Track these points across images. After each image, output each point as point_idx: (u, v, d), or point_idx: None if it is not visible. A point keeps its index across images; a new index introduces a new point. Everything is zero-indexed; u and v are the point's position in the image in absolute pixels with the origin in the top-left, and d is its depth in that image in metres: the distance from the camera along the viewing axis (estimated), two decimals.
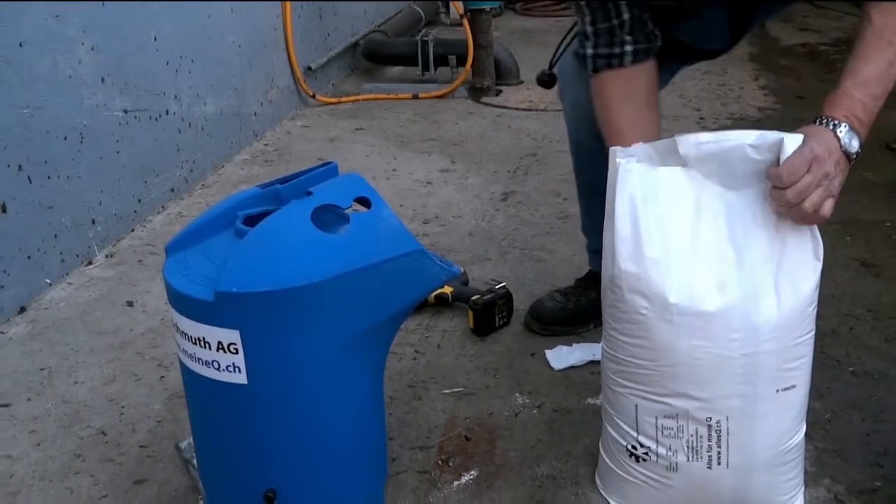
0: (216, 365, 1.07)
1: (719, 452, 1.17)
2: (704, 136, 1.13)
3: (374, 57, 3.99)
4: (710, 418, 1.15)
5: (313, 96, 3.51)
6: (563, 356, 1.67)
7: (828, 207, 1.10)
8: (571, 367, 1.64)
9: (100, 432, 1.51)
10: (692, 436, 1.17)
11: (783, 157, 1.08)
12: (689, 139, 1.13)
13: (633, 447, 1.22)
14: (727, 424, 1.15)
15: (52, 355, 1.76)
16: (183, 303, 1.07)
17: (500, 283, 1.86)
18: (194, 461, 1.29)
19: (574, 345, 1.70)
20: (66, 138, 2.07)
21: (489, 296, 1.78)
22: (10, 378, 1.68)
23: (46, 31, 2.00)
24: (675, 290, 1.12)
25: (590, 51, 1.33)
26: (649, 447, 1.20)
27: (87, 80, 2.15)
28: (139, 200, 2.38)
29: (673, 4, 1.36)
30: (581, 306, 1.76)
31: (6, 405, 1.60)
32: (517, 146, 3.01)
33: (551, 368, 1.65)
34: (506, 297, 1.80)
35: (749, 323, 1.12)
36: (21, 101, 1.92)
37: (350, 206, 1.13)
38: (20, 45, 1.92)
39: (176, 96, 2.56)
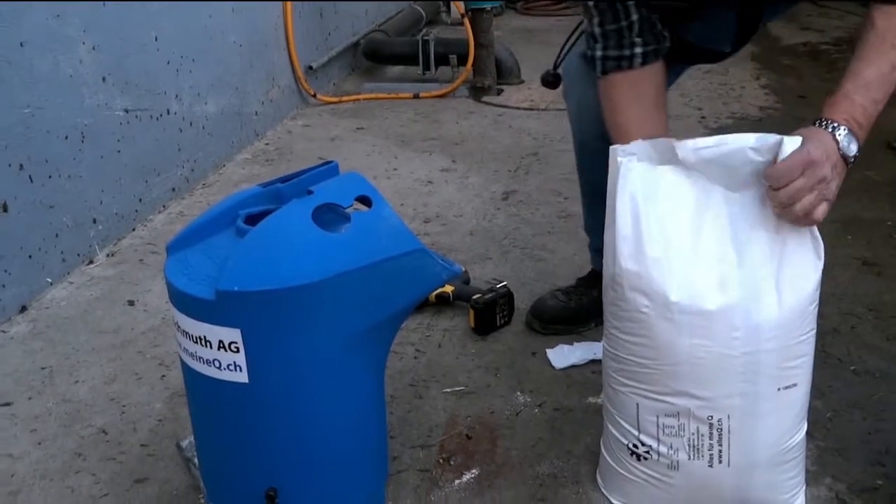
0: (217, 364, 1.07)
1: (720, 451, 1.17)
2: (703, 142, 1.12)
3: (374, 56, 3.99)
4: (712, 417, 1.15)
5: (314, 96, 3.51)
6: (564, 355, 1.67)
7: (820, 211, 1.10)
8: (572, 366, 1.64)
9: (101, 431, 1.51)
10: (693, 434, 1.17)
11: (780, 158, 1.08)
12: (686, 145, 1.13)
13: (635, 446, 1.22)
14: (728, 423, 1.15)
15: (53, 354, 1.76)
16: (184, 301, 1.07)
17: (501, 282, 1.86)
18: (195, 460, 1.29)
19: (575, 344, 1.70)
20: (67, 138, 2.07)
21: (490, 295, 1.78)
22: (11, 377, 1.68)
23: (47, 30, 2.00)
24: (677, 289, 1.12)
25: (599, 53, 1.33)
26: (650, 446, 1.20)
27: (88, 79, 2.15)
28: (140, 200, 2.39)
29: (682, 5, 1.36)
30: (582, 305, 1.76)
31: (7, 404, 1.60)
32: (518, 145, 3.01)
33: (552, 367, 1.65)
34: (507, 296, 1.80)
35: (750, 321, 1.12)
36: (22, 100, 1.92)
37: (351, 205, 1.13)
38: (21, 44, 1.92)
39: (177, 96, 2.56)
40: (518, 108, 3.46)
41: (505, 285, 1.82)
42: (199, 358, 1.08)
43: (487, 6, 3.56)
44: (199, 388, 1.14)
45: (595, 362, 1.61)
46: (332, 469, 1.17)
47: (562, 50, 1.62)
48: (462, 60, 3.64)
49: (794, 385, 1.16)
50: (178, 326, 1.10)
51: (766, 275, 1.13)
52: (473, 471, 1.38)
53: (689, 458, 1.18)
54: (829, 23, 4.71)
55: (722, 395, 1.14)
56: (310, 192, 1.12)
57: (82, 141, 2.13)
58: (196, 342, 1.07)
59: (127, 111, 2.31)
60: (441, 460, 1.41)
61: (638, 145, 1.18)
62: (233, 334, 1.05)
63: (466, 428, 1.49)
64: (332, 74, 3.85)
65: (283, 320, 1.05)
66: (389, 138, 3.14)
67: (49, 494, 1.36)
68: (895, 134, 2.66)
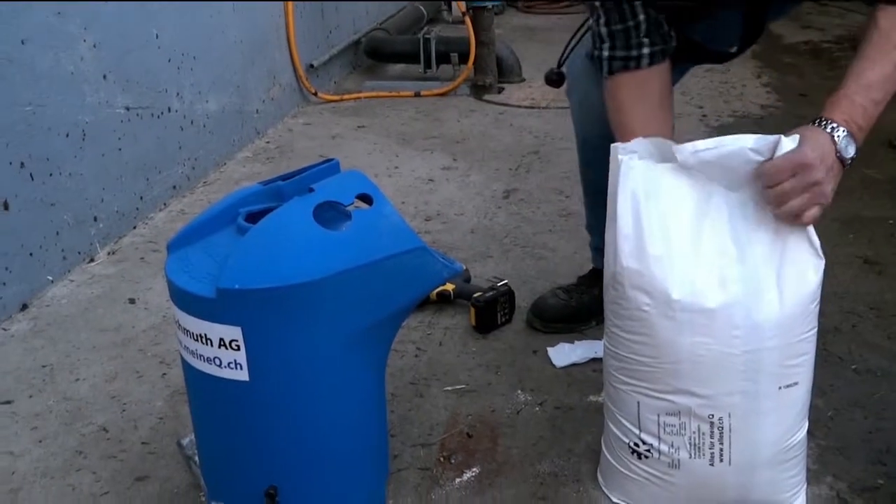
0: (218, 362, 1.07)
1: (721, 449, 1.17)
2: (702, 144, 1.12)
3: (375, 55, 3.99)
4: (713, 415, 1.15)
5: (315, 94, 3.51)
6: (565, 353, 1.67)
7: (810, 215, 1.10)
8: (573, 365, 1.64)
9: (101, 429, 1.51)
10: (694, 433, 1.17)
11: (776, 156, 1.08)
12: (685, 148, 1.13)
13: (636, 444, 1.22)
14: (729, 421, 1.15)
15: (53, 352, 1.76)
16: (185, 299, 1.07)
17: (501, 280, 1.86)
18: (196, 458, 1.29)
19: (576, 342, 1.70)
20: (68, 135, 2.07)
21: (491, 293, 1.78)
22: (11, 375, 1.68)
23: (48, 28, 2.00)
24: (678, 287, 1.12)
25: (606, 53, 1.33)
26: (651, 444, 1.20)
27: (89, 77, 2.15)
28: (141, 198, 2.39)
29: (688, 4, 1.35)
30: (583, 304, 1.76)
31: (8, 402, 1.60)
32: (519, 144, 3.00)
33: (553, 366, 1.65)
34: (508, 295, 1.80)
35: (751, 320, 1.12)
36: (23, 98, 1.92)
37: (352, 203, 1.13)
38: (22, 42, 1.92)
39: (178, 94, 2.56)
40: (519, 107, 3.46)
41: (506, 283, 1.82)
42: (200, 356, 1.08)
43: (488, 4, 3.56)
44: (200, 387, 1.14)
45: (596, 361, 1.61)
46: (333, 467, 1.17)
47: (566, 48, 1.62)
48: (463, 59, 3.64)
49: (796, 383, 1.16)
50: (179, 324, 1.10)
51: (767, 273, 1.12)
52: (474, 469, 1.38)
53: (690, 457, 1.18)
54: (831, 21, 4.71)
55: (723, 393, 1.14)
56: (311, 190, 1.12)
57: (83, 139, 2.13)
58: (197, 340, 1.07)
59: (128, 109, 2.31)
60: (442, 459, 1.40)
61: (639, 143, 1.18)
62: (233, 332, 1.05)
63: (467, 426, 1.48)
64: (334, 73, 3.85)
65: (284, 318, 1.05)
66: (390, 136, 3.13)
67: (50, 492, 1.36)
68: None
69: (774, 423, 1.17)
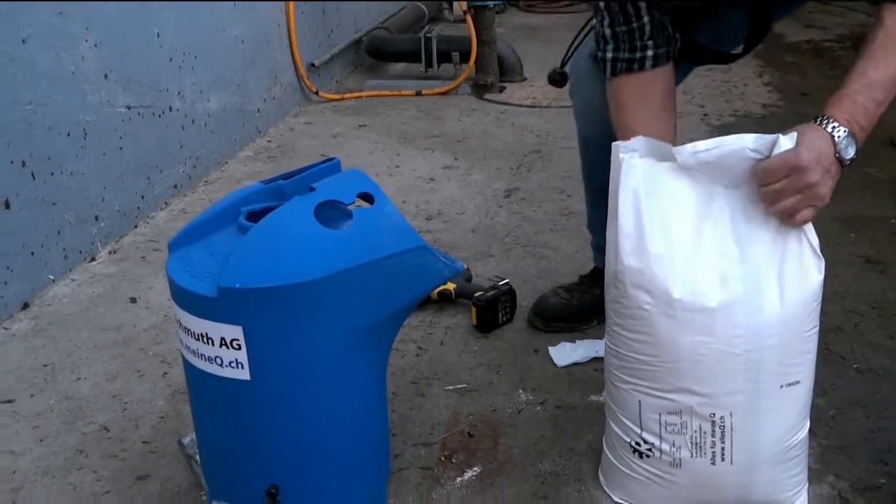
0: (219, 361, 1.07)
1: (723, 448, 1.17)
2: (702, 145, 1.12)
3: (377, 53, 3.99)
4: (714, 414, 1.15)
5: (316, 93, 3.51)
6: (566, 353, 1.67)
7: (802, 216, 1.10)
8: (575, 364, 1.64)
9: (103, 428, 1.51)
10: (696, 432, 1.17)
11: (773, 154, 1.08)
12: (685, 149, 1.13)
13: (637, 443, 1.22)
14: (731, 420, 1.15)
15: (55, 351, 1.76)
16: (186, 299, 1.07)
17: (503, 279, 1.85)
18: (197, 457, 1.29)
19: (577, 341, 1.70)
20: (69, 135, 2.07)
21: (492, 292, 1.78)
22: (13, 374, 1.68)
23: (49, 27, 2.00)
24: (679, 286, 1.12)
25: (609, 54, 1.33)
26: (653, 443, 1.20)
27: (91, 76, 2.15)
28: (142, 197, 2.39)
29: (693, 5, 1.35)
30: (585, 303, 1.76)
31: (9, 401, 1.60)
32: (520, 143, 3.00)
33: (554, 365, 1.65)
34: (509, 294, 1.80)
35: (752, 319, 1.12)
36: (24, 97, 1.92)
37: (353, 202, 1.13)
38: (23, 41, 1.92)
39: (179, 93, 2.56)
40: (520, 106, 3.45)
41: (507, 283, 1.82)
42: (201, 355, 1.08)
43: (490, 3, 3.56)
44: (201, 386, 1.14)
45: (597, 360, 1.60)
46: (334, 466, 1.17)
47: (569, 48, 1.62)
48: (464, 58, 3.64)
49: (797, 382, 1.16)
50: (180, 323, 1.10)
51: (768, 271, 1.12)
52: (475, 468, 1.38)
53: (692, 456, 1.18)
54: (833, 20, 4.70)
55: (724, 392, 1.14)
56: (312, 189, 1.12)
57: (84, 138, 2.13)
58: (198, 339, 1.07)
59: (129, 108, 2.31)
60: (443, 458, 1.40)
61: (640, 142, 1.18)
62: (235, 331, 1.05)
63: (468, 426, 1.48)
64: (335, 72, 3.85)
65: (285, 317, 1.05)
66: (392, 135, 3.13)
67: (51, 491, 1.36)
68: None
69: (776, 421, 1.16)
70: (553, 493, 1.32)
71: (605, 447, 1.31)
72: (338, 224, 1.12)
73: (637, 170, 1.16)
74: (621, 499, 1.28)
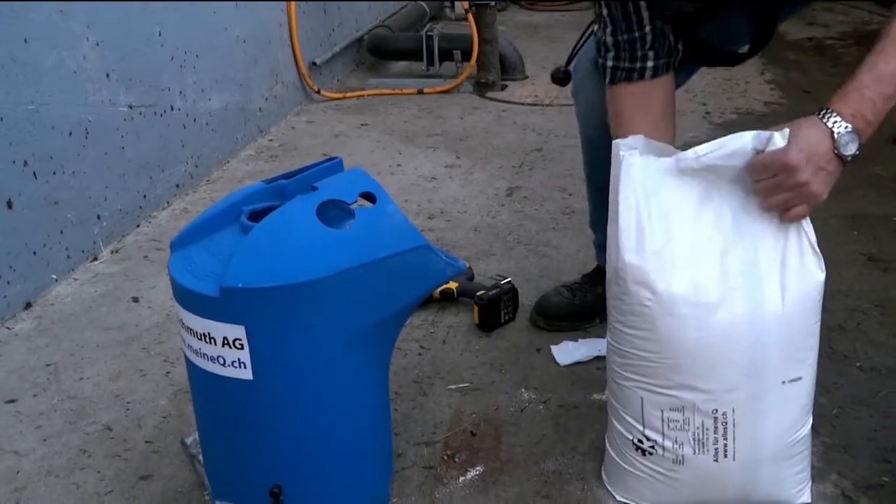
0: (221, 360, 1.07)
1: (726, 445, 1.17)
2: (703, 149, 1.12)
3: (378, 52, 3.99)
4: (716, 410, 1.15)
5: (318, 92, 3.51)
6: (568, 352, 1.67)
7: (795, 212, 1.10)
8: (577, 363, 1.64)
9: (105, 428, 1.51)
10: (698, 428, 1.17)
11: (767, 151, 1.09)
12: (687, 155, 1.13)
13: (640, 441, 1.22)
14: (733, 416, 1.15)
15: (57, 351, 1.76)
16: (188, 298, 1.07)
17: (505, 278, 1.85)
18: (200, 457, 1.29)
19: (580, 340, 1.70)
20: (71, 134, 2.07)
21: (494, 291, 1.78)
22: (16, 374, 1.68)
23: (51, 26, 2.00)
24: (679, 282, 1.12)
25: (610, 63, 1.33)
26: (655, 440, 1.20)
27: (92, 75, 2.15)
28: (144, 196, 2.39)
29: (694, 8, 1.34)
30: (587, 302, 1.76)
31: (12, 401, 1.60)
32: (522, 141, 3.00)
33: (557, 364, 1.65)
34: (511, 293, 1.80)
35: (753, 315, 1.12)
36: (26, 96, 1.92)
37: (355, 202, 1.13)
38: (25, 41, 1.92)
39: (181, 92, 2.56)
40: (522, 104, 3.45)
41: (509, 281, 1.82)
42: (204, 355, 1.08)
43: (491, 1, 3.56)
44: (204, 385, 1.14)
45: (600, 359, 1.60)
46: (337, 466, 1.17)
47: (574, 48, 1.61)
48: (466, 56, 3.63)
49: (800, 378, 1.16)
50: (183, 323, 1.10)
51: (769, 268, 1.13)
52: (478, 468, 1.38)
53: (695, 453, 1.18)
54: (835, 18, 4.69)
55: (726, 388, 1.14)
56: (314, 189, 1.12)
57: (86, 137, 2.13)
58: (200, 339, 1.07)
59: (131, 107, 2.31)
60: (446, 457, 1.40)
61: (640, 139, 1.18)
62: (237, 331, 1.04)
63: (471, 425, 1.48)
64: (336, 70, 3.84)
65: (288, 317, 1.05)
66: (393, 134, 3.13)
67: (54, 491, 1.36)
68: None
69: (778, 418, 1.17)
70: (556, 492, 1.32)
71: (607, 445, 1.31)
72: (340, 223, 1.12)
73: (637, 167, 1.16)
74: (624, 497, 1.28)
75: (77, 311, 1.92)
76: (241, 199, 1.16)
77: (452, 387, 1.59)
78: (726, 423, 1.15)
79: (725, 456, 1.17)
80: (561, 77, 1.64)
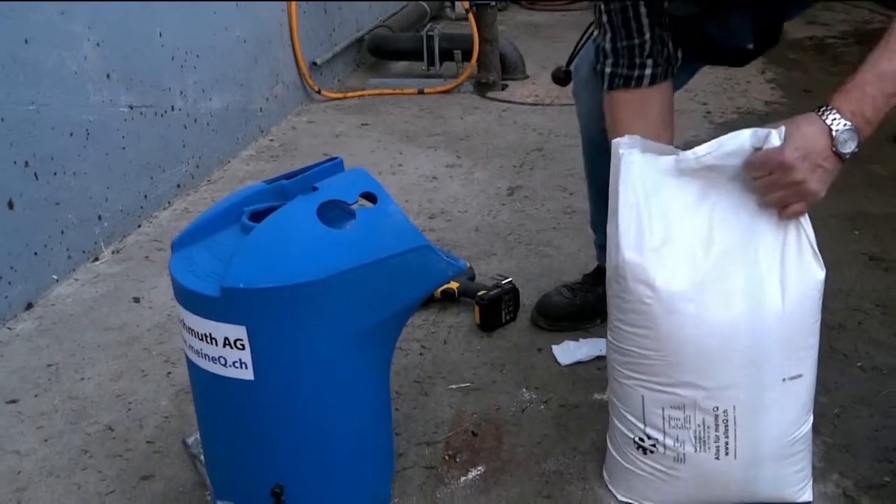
0: (223, 361, 1.07)
1: (727, 443, 1.17)
2: (702, 149, 1.12)
3: (379, 52, 3.99)
4: (717, 408, 1.15)
5: (319, 92, 3.51)
6: (569, 351, 1.67)
7: (793, 209, 1.10)
8: (578, 363, 1.64)
9: (107, 428, 1.51)
10: (699, 426, 1.17)
11: (764, 149, 1.09)
12: (687, 156, 1.13)
13: (641, 439, 1.22)
14: (734, 414, 1.15)
15: (59, 351, 1.76)
16: (189, 299, 1.07)
17: (506, 278, 1.85)
18: (201, 457, 1.29)
19: (581, 340, 1.70)
20: (72, 134, 2.07)
21: (495, 291, 1.78)
22: (17, 374, 1.68)
23: (52, 27, 2.00)
24: (679, 279, 1.12)
25: (608, 69, 1.33)
26: (657, 439, 1.20)
27: (93, 75, 2.15)
28: (145, 196, 2.39)
29: (695, 12, 1.34)
30: (588, 302, 1.76)
31: (13, 401, 1.60)
32: (523, 141, 3.00)
33: (558, 364, 1.65)
34: (512, 293, 1.80)
35: (754, 313, 1.12)
36: (27, 97, 1.92)
37: (356, 202, 1.13)
38: (26, 41, 1.92)
39: (181, 92, 2.56)
40: (523, 104, 3.45)
41: (510, 281, 1.82)
42: (205, 355, 1.08)
43: (492, 1, 3.55)
44: (205, 386, 1.14)
45: (601, 359, 1.60)
46: (338, 466, 1.17)
47: (575, 48, 1.61)
48: (466, 56, 3.63)
49: (800, 375, 1.16)
50: (184, 323, 1.10)
51: (769, 265, 1.13)
52: (479, 468, 1.38)
53: (696, 451, 1.18)
54: (835, 16, 4.69)
55: (727, 385, 1.14)
56: (315, 189, 1.12)
57: (87, 137, 2.13)
58: (201, 339, 1.07)
59: (131, 107, 2.31)
60: (447, 457, 1.40)
61: (640, 139, 1.19)
62: (238, 331, 1.05)
63: (472, 425, 1.48)
64: (337, 70, 3.84)
65: (289, 317, 1.05)
66: (394, 134, 3.13)
67: (55, 491, 1.36)
68: None
69: (779, 415, 1.17)
70: (557, 492, 1.32)
71: (609, 444, 1.31)
72: (341, 224, 1.12)
73: (637, 165, 1.16)
74: (625, 496, 1.28)
75: (78, 311, 1.93)
76: (241, 200, 1.16)
77: (454, 387, 1.59)
78: (727, 420, 1.16)
79: (727, 454, 1.17)
80: (562, 77, 1.64)
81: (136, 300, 1.97)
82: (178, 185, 2.55)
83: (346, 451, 1.17)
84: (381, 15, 4.29)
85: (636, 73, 1.31)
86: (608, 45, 1.32)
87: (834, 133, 1.08)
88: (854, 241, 2.09)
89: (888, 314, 1.76)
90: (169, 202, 2.50)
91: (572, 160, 2.57)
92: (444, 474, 1.37)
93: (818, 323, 1.16)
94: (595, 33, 1.37)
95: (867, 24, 4.45)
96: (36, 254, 1.96)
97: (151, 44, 2.40)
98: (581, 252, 2.07)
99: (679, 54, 1.34)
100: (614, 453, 1.28)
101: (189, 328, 1.09)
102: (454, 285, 1.84)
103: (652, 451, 1.21)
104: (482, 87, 3.62)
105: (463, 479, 1.35)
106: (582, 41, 1.59)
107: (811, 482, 1.25)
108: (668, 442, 1.19)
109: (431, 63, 3.76)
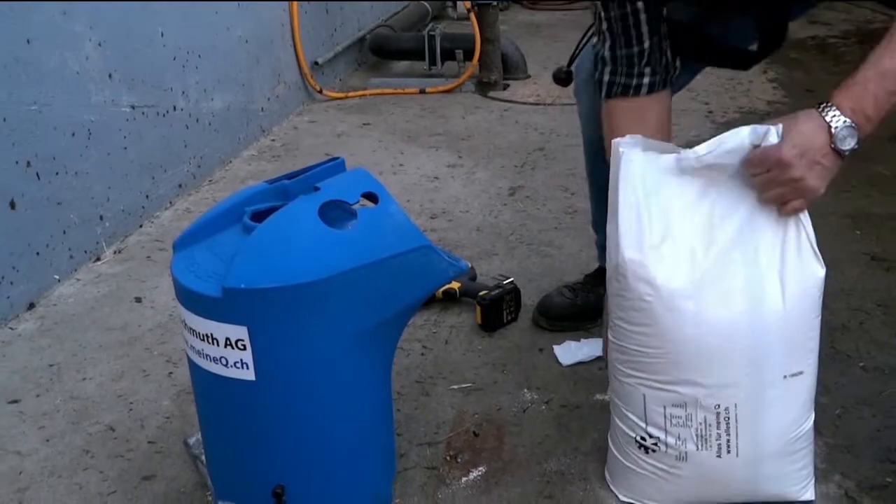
0: (224, 361, 1.07)
1: (728, 440, 1.17)
2: (703, 148, 1.12)
3: (380, 52, 3.99)
4: (719, 406, 1.15)
5: (320, 91, 3.51)
6: (571, 352, 1.66)
7: (792, 206, 1.10)
8: (579, 363, 1.64)
9: (108, 428, 1.51)
10: (701, 424, 1.17)
11: (763, 146, 1.09)
12: (688, 155, 1.14)
13: (642, 438, 1.21)
14: (735, 412, 1.15)
15: (60, 351, 1.77)
16: (191, 299, 1.07)
17: (507, 278, 1.85)
18: (203, 457, 1.29)
19: (582, 340, 1.69)
20: (73, 134, 2.08)
21: (497, 291, 1.78)
22: (19, 374, 1.69)
23: (54, 27, 2.00)
24: (679, 277, 1.12)
25: (606, 77, 1.33)
26: (658, 437, 1.20)
27: (95, 76, 2.15)
28: (147, 196, 2.39)
29: (694, 14, 1.34)
30: (589, 302, 1.75)
31: (15, 401, 1.60)
32: (524, 140, 3.00)
33: (559, 364, 1.65)
34: (513, 293, 1.79)
35: (754, 312, 1.12)
36: (29, 97, 1.93)
37: (357, 202, 1.13)
38: (28, 41, 1.92)
39: (183, 92, 2.56)
40: (524, 103, 3.45)
41: (511, 281, 1.82)
42: (206, 355, 1.08)
43: (493, 1, 3.55)
44: (207, 386, 1.14)
45: (602, 359, 1.59)
46: (339, 467, 1.17)
47: (576, 48, 1.61)
48: (468, 55, 3.63)
49: (801, 372, 1.16)
50: (185, 324, 1.10)
51: (769, 262, 1.13)
52: (481, 468, 1.38)
53: (698, 449, 1.18)
54: (837, 16, 4.68)
55: (728, 382, 1.14)
56: (316, 189, 1.12)
57: (89, 137, 2.13)
58: (203, 340, 1.07)
59: (133, 108, 2.31)
60: (448, 457, 1.40)
61: (640, 138, 1.19)
62: (239, 332, 1.05)
63: (473, 425, 1.48)
64: (338, 70, 3.84)
65: (290, 318, 1.05)
66: (396, 134, 3.13)
67: (57, 491, 1.36)
68: None
69: (780, 413, 1.17)
70: (558, 493, 1.31)
71: (610, 444, 1.31)
72: (342, 224, 1.12)
73: (636, 163, 1.16)
74: (627, 496, 1.28)
75: (80, 311, 1.93)
76: (243, 200, 1.17)
77: (455, 387, 1.59)
78: (728, 418, 1.16)
79: (728, 452, 1.17)
80: (563, 77, 1.64)
81: (138, 300, 1.97)
82: (180, 185, 2.55)
83: (348, 451, 1.17)
84: (382, 14, 4.30)
85: (634, 81, 1.31)
86: (607, 53, 1.32)
87: (833, 130, 1.08)
88: (856, 241, 2.08)
89: (890, 314, 1.76)
90: (170, 202, 2.50)
91: (574, 160, 2.57)
92: (445, 475, 1.37)
93: (818, 319, 1.16)
94: (594, 41, 1.37)
95: (869, 24, 4.44)
96: (38, 254, 1.96)
97: (153, 44, 2.41)
98: (582, 252, 2.07)
99: (678, 63, 1.35)
100: (616, 453, 1.28)
101: (190, 328, 1.09)
102: (456, 285, 1.84)
103: (654, 450, 1.21)
104: (484, 87, 3.62)
105: (464, 479, 1.35)
106: (583, 41, 1.59)
107: (813, 480, 1.25)
108: (670, 440, 1.19)
109: (433, 63, 3.76)
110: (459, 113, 3.36)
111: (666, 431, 1.19)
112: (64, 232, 2.05)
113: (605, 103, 1.36)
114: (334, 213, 1.11)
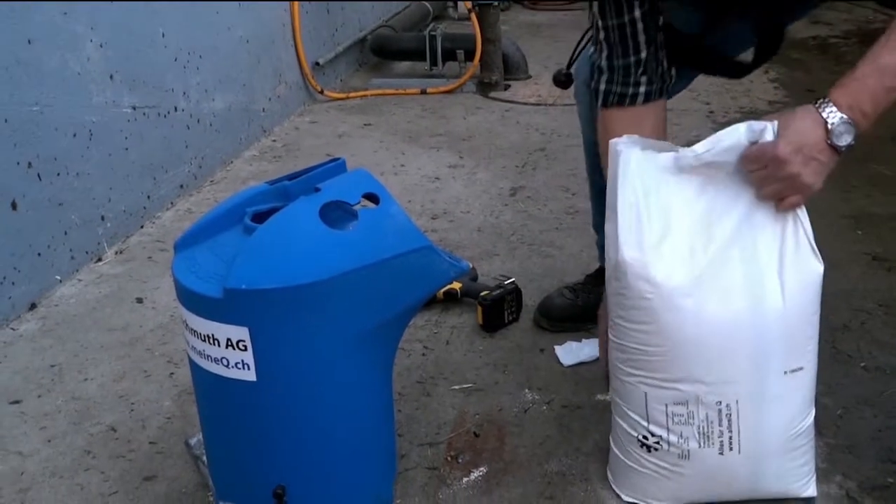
0: (225, 362, 1.07)
1: (730, 437, 1.17)
2: (701, 147, 1.13)
3: (382, 52, 3.99)
4: (720, 402, 1.16)
5: (321, 92, 3.51)
6: (572, 352, 1.66)
7: (788, 202, 1.11)
8: (581, 363, 1.64)
9: (110, 429, 1.51)
10: (703, 421, 1.17)
11: (760, 142, 1.10)
12: (687, 155, 1.14)
13: (644, 437, 1.22)
14: (737, 408, 1.16)
15: (62, 352, 1.77)
16: (192, 300, 1.07)
17: (508, 278, 1.85)
18: (204, 458, 1.29)
19: (583, 340, 1.69)
20: (75, 135, 2.08)
21: (498, 291, 1.78)
22: (20, 374, 1.69)
23: (55, 28, 2.00)
24: (679, 274, 1.13)
25: (603, 86, 1.33)
26: (660, 436, 1.20)
27: (96, 76, 2.15)
28: (148, 197, 2.39)
29: (696, 19, 1.34)
30: (590, 302, 1.75)
31: (17, 402, 1.60)
32: (526, 141, 3.00)
33: (560, 364, 1.65)
34: (515, 293, 1.80)
35: (754, 309, 1.12)
36: (30, 98, 1.93)
37: (358, 203, 1.13)
38: (29, 42, 1.92)
39: (184, 93, 2.56)
40: (525, 104, 3.45)
41: (513, 282, 1.82)
42: (208, 356, 1.08)
43: (494, 1, 3.55)
44: (208, 386, 1.14)
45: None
46: (340, 467, 1.17)
47: (575, 50, 1.61)
48: (469, 56, 3.63)
49: (801, 368, 1.17)
50: (187, 324, 1.10)
51: (768, 259, 1.13)
52: (481, 469, 1.38)
53: (700, 447, 1.18)
54: (838, 16, 4.68)
55: (729, 379, 1.15)
56: (317, 190, 1.12)
57: (90, 138, 2.13)
58: (204, 340, 1.07)
59: (134, 108, 2.31)
60: (449, 458, 1.40)
61: (638, 137, 1.19)
62: (241, 332, 1.05)
63: (474, 425, 1.48)
64: (340, 70, 3.85)
65: (291, 318, 1.05)
66: (397, 134, 3.13)
67: (58, 492, 1.36)
68: None
69: (781, 409, 1.17)
70: (559, 493, 1.31)
71: (612, 444, 1.31)
72: (343, 224, 1.12)
73: (635, 163, 1.17)
74: (629, 495, 1.28)
75: (81, 311, 1.93)
76: (244, 201, 1.17)
77: (456, 387, 1.59)
78: (730, 414, 1.16)
79: (731, 449, 1.18)
80: (563, 80, 1.64)
81: (139, 301, 1.97)
82: (181, 186, 2.55)
83: (349, 452, 1.17)
84: (383, 15, 4.30)
85: (631, 90, 1.32)
86: (604, 63, 1.33)
87: (829, 125, 1.08)
88: (857, 241, 2.08)
89: (891, 314, 1.76)
90: (172, 203, 2.50)
91: (575, 160, 2.57)
92: (446, 475, 1.37)
93: (817, 315, 1.17)
94: (591, 50, 1.37)
95: (870, 24, 4.44)
96: (39, 254, 1.97)
97: (154, 44, 2.41)
98: (583, 252, 2.07)
99: (673, 72, 1.35)
100: (618, 452, 1.28)
101: (192, 329, 1.09)
102: (457, 286, 1.84)
103: (656, 449, 1.21)
104: (485, 87, 3.62)
105: (465, 480, 1.35)
106: (582, 43, 1.59)
107: (815, 476, 1.25)
108: (672, 438, 1.19)
109: (434, 63, 3.76)
110: (460, 113, 3.36)
111: (668, 430, 1.19)
112: (65, 232, 2.05)
113: (601, 112, 1.36)
114: (335, 213, 1.11)
